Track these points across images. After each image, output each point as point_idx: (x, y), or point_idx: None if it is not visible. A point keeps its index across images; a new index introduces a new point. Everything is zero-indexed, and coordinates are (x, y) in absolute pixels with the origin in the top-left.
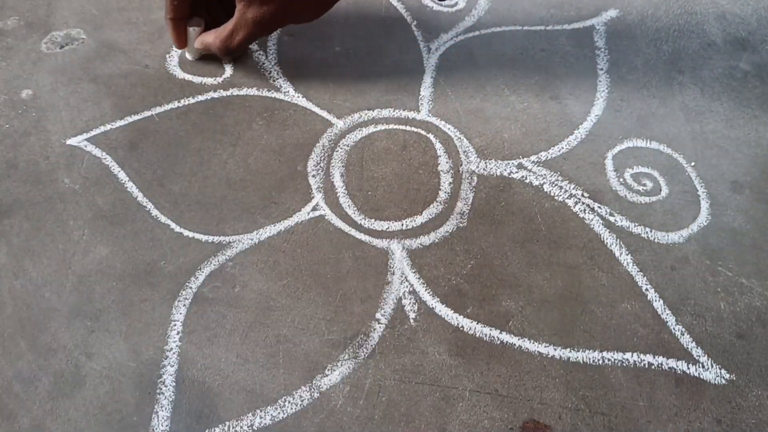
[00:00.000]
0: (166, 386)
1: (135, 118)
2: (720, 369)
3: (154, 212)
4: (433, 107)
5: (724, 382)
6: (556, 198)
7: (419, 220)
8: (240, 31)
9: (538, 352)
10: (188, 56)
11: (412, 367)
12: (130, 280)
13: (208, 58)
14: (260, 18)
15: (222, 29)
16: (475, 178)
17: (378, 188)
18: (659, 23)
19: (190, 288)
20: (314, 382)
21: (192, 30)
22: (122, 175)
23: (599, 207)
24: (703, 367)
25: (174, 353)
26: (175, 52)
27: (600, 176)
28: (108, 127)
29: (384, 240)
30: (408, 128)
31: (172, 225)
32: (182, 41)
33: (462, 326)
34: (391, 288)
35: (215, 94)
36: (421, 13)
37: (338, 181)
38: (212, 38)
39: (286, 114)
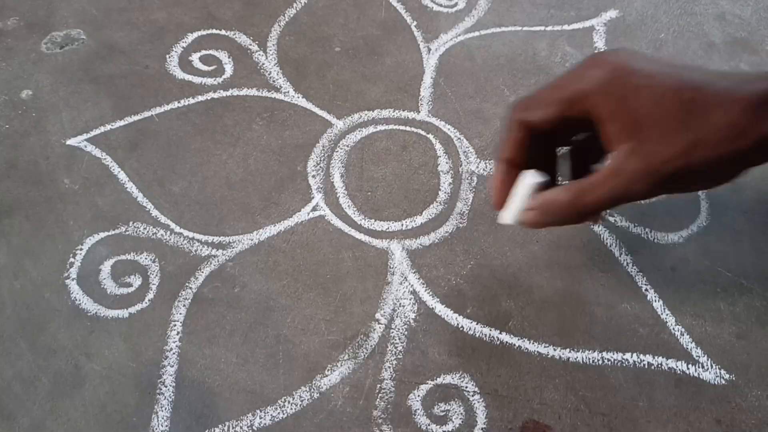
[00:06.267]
0: (166, 386)
1: (135, 118)
2: (720, 369)
3: (154, 212)
4: (433, 108)
5: (723, 382)
6: None
7: (419, 220)
8: (606, 183)
9: (538, 352)
10: (503, 220)
11: (412, 367)
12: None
13: (210, 60)
14: (644, 172)
15: (578, 182)
16: (475, 179)
17: (378, 188)
18: (659, 23)
19: (190, 288)
20: (314, 382)
21: (528, 184)
22: (122, 176)
23: None
24: (703, 367)
25: (174, 353)
26: (176, 53)
27: None
28: (108, 127)
29: (384, 240)
30: (408, 129)
31: (172, 225)
32: (503, 196)
33: (462, 326)
34: (390, 288)
35: (215, 95)
36: (420, 13)
37: (338, 182)
38: (558, 192)
39: (286, 114)
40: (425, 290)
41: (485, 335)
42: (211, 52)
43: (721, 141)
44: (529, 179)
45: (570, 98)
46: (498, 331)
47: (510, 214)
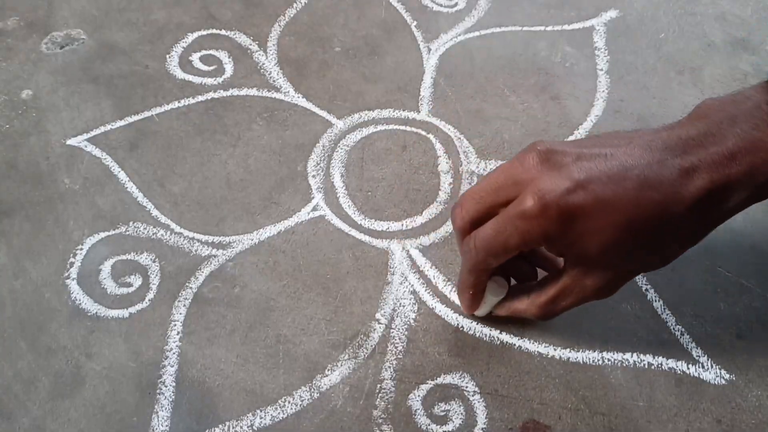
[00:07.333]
0: (166, 386)
1: (135, 118)
2: (720, 369)
3: (154, 212)
4: (433, 108)
5: (724, 382)
6: None
7: (419, 220)
8: (570, 296)
9: (538, 352)
10: (478, 314)
11: (412, 367)
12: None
13: (210, 60)
14: (604, 285)
15: (539, 294)
16: (475, 179)
17: (378, 188)
18: (659, 24)
19: (190, 288)
20: (314, 382)
21: (493, 297)
22: (122, 176)
23: None
24: (703, 367)
25: (174, 353)
26: (176, 53)
27: None
28: (108, 127)
29: (384, 240)
30: (408, 129)
31: (172, 225)
32: (476, 307)
33: (462, 326)
34: (391, 288)
35: (215, 94)
36: (420, 13)
37: (338, 182)
38: (525, 305)
39: (286, 114)
40: (425, 290)
41: (485, 335)
42: (211, 52)
43: (670, 256)
44: (496, 293)
45: (524, 243)
46: (498, 331)
47: (482, 311)
